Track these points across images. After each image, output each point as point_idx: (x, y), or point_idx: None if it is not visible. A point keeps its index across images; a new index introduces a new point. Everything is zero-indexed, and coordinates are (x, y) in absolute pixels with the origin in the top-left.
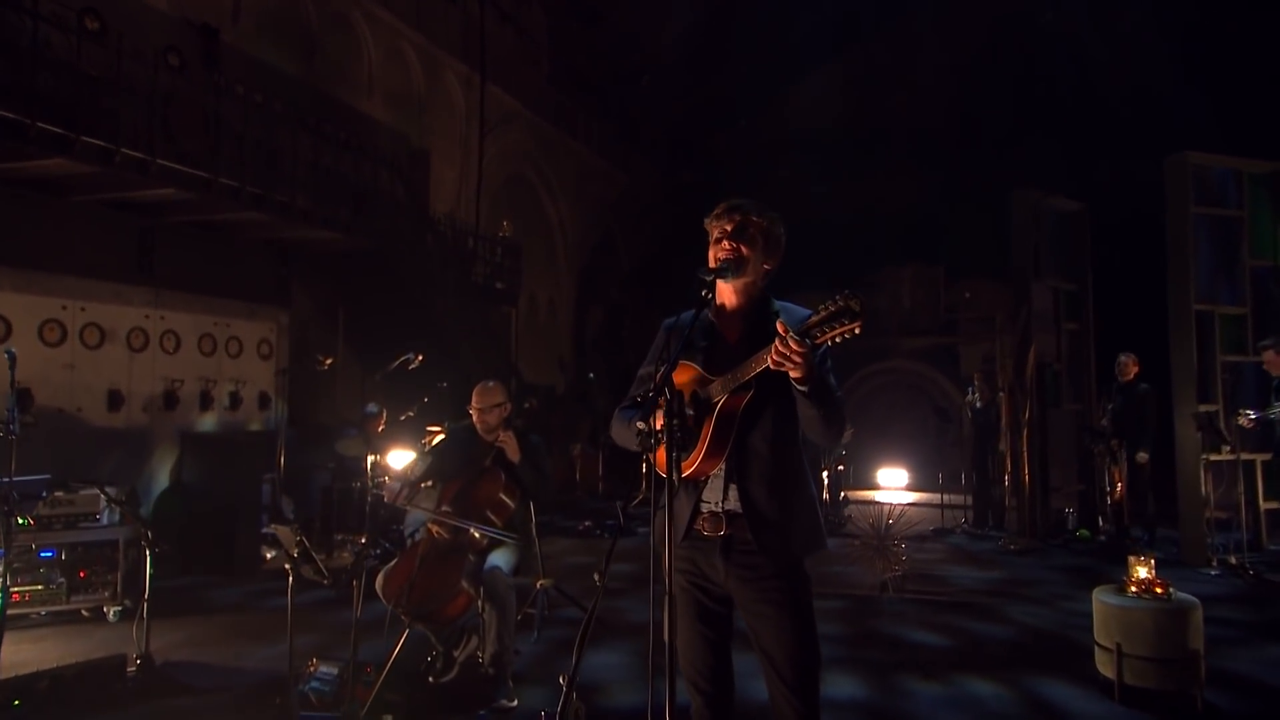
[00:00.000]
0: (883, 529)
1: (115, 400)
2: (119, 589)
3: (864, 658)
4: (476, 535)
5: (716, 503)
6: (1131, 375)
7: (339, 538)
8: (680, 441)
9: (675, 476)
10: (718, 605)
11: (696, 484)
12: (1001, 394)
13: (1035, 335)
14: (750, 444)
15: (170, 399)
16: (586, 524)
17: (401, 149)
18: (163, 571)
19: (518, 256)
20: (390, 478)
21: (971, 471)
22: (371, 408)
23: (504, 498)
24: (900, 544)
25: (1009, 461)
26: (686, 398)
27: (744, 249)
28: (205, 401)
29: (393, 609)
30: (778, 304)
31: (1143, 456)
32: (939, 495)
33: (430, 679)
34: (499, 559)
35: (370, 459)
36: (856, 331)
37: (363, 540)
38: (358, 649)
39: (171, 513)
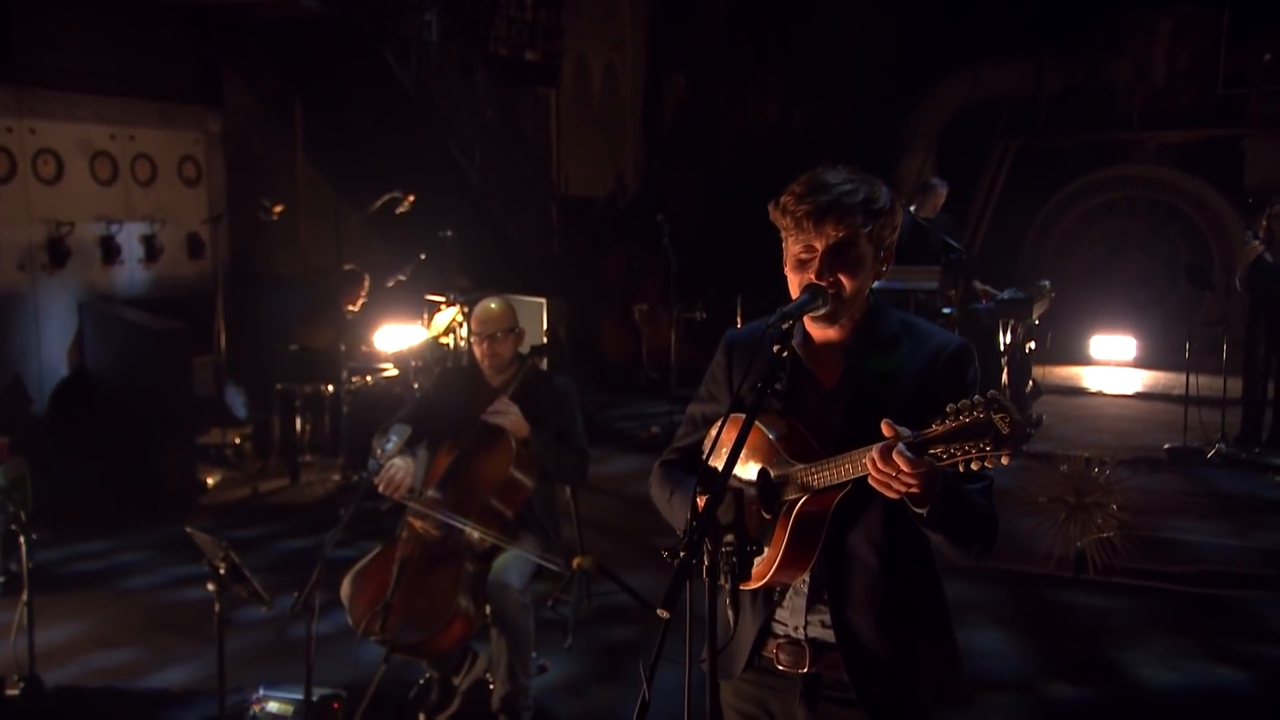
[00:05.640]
0: (1086, 480)
1: None
2: None
3: (1039, 697)
4: (475, 536)
5: (796, 627)
6: None
7: (305, 459)
8: (738, 567)
9: (730, 614)
10: None
11: (767, 595)
12: None
13: None
14: (850, 549)
15: (58, 250)
16: (654, 430)
17: None
18: (65, 515)
19: (557, 8)
20: (379, 452)
21: (1251, 359)
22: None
23: (517, 474)
24: (1113, 502)
25: None
26: (752, 479)
27: (846, 281)
28: (109, 252)
29: (362, 635)
30: (898, 320)
31: None
32: (1184, 378)
33: (422, 716)
34: (509, 565)
35: (345, 348)
36: (1004, 462)
37: (335, 477)
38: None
39: (74, 414)
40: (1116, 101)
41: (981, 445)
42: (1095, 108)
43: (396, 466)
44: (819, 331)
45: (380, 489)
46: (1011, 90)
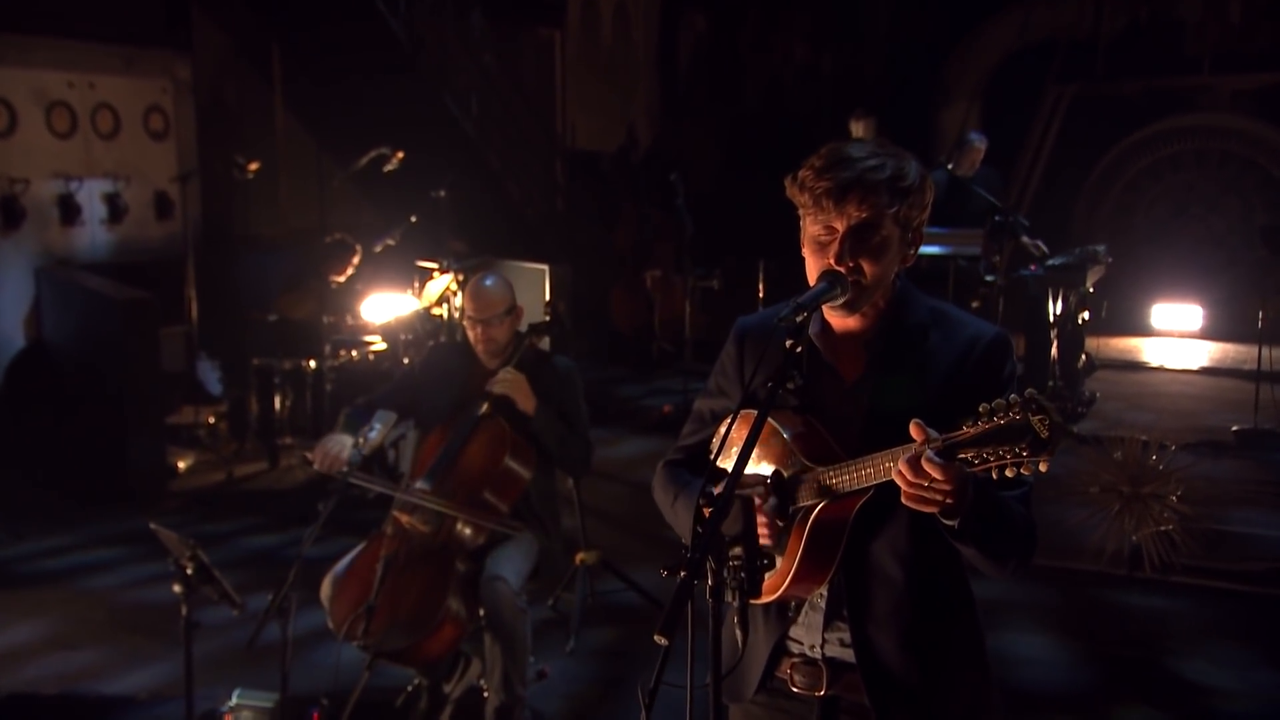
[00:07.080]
0: (1143, 467)
1: None
2: None
3: (1087, 712)
4: (468, 531)
5: (812, 646)
6: None
7: (284, 440)
8: (746, 583)
9: (739, 632)
10: None
11: (781, 611)
12: None
13: None
14: (872, 561)
15: (11, 210)
16: (667, 409)
17: None
18: (22, 503)
19: None
20: (361, 440)
21: None
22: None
23: (513, 465)
24: (1172, 492)
25: None
26: (764, 484)
27: (868, 266)
28: (68, 212)
29: (344, 639)
30: (927, 308)
31: None
32: (1256, 352)
33: None
34: (504, 563)
35: (328, 320)
36: (1042, 469)
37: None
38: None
39: (31, 391)
40: (1185, 42)
41: (1017, 450)
42: (1161, 49)
43: (334, 440)
44: (839, 320)
45: (315, 465)
46: (1066, 31)
